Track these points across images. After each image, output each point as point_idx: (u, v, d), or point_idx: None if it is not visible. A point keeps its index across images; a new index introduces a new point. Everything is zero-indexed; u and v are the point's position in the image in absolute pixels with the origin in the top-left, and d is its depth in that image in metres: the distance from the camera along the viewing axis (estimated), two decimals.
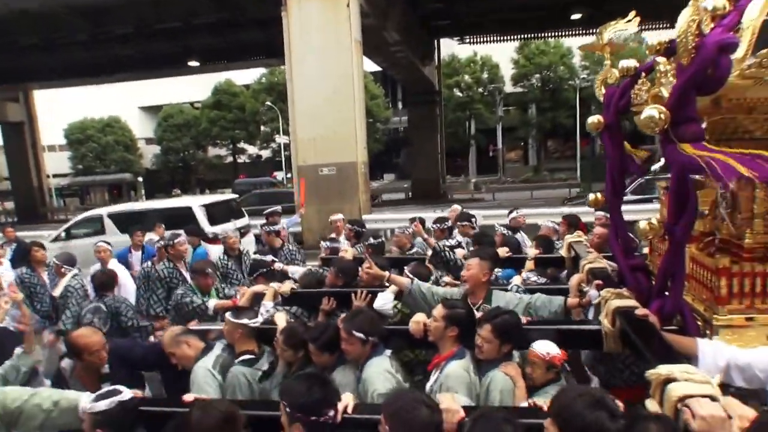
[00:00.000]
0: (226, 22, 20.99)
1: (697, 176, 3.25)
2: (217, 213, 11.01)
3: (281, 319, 3.44)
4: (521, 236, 6.22)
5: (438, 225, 6.11)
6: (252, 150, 44.71)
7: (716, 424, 1.71)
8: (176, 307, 4.61)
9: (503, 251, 4.63)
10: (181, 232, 6.30)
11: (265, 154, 44.32)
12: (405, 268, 4.23)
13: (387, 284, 3.78)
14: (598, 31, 3.49)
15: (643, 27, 4.99)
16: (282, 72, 40.15)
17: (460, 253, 4.67)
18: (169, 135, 43.26)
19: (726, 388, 2.58)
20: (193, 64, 28.24)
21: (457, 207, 8.40)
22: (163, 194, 41.33)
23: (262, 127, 42.27)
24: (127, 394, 2.47)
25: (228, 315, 3.35)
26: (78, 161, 45.20)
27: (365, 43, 14.96)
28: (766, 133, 2.63)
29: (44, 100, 35.99)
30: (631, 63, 3.02)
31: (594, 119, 3.25)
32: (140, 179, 43.91)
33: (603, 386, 3.32)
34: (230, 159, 45.28)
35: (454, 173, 41.75)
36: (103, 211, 12.04)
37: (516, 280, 3.95)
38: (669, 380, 1.97)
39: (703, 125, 2.74)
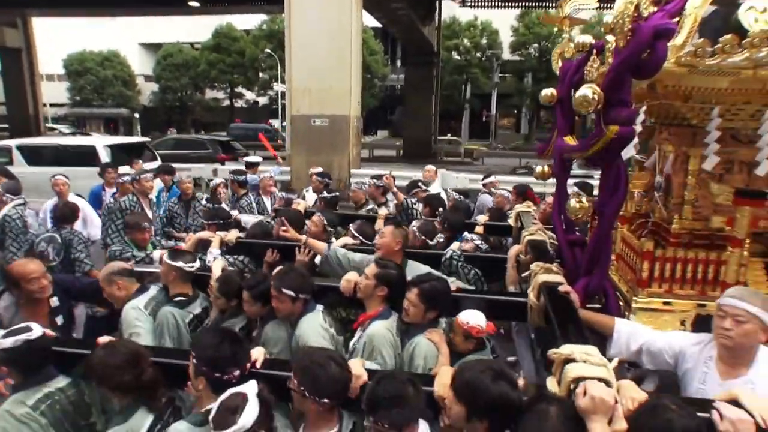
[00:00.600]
0: None
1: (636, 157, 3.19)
2: (124, 154, 10.86)
3: (218, 267, 3.37)
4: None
5: (375, 181, 6.03)
6: (249, 96, 43.76)
7: (601, 406, 1.69)
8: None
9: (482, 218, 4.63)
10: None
11: (262, 100, 43.44)
12: (350, 226, 4.15)
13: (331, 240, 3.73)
14: (558, 3, 3.35)
15: (605, 5, 4.79)
16: (283, 20, 39.02)
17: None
18: (167, 74, 42.08)
19: (625, 369, 2.59)
20: (194, 4, 27.25)
21: (431, 167, 8.29)
22: (158, 132, 40.68)
23: (261, 74, 41.25)
24: (36, 332, 2.38)
25: (165, 256, 3.27)
26: (76, 93, 44.00)
27: None
28: (701, 122, 2.52)
29: (44, 29, 34.77)
30: (587, 39, 2.88)
31: (547, 92, 3.14)
32: (137, 115, 43.20)
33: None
34: (227, 103, 44.31)
35: (445, 134, 41.34)
36: (12, 142, 12.23)
37: (454, 246, 3.89)
38: (569, 360, 1.93)
39: (643, 108, 2.64)
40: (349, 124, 13.79)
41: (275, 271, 3.06)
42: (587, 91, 2.24)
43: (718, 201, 2.59)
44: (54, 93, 40.39)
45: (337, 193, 5.87)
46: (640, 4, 2.17)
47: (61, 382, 2.43)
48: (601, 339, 2.56)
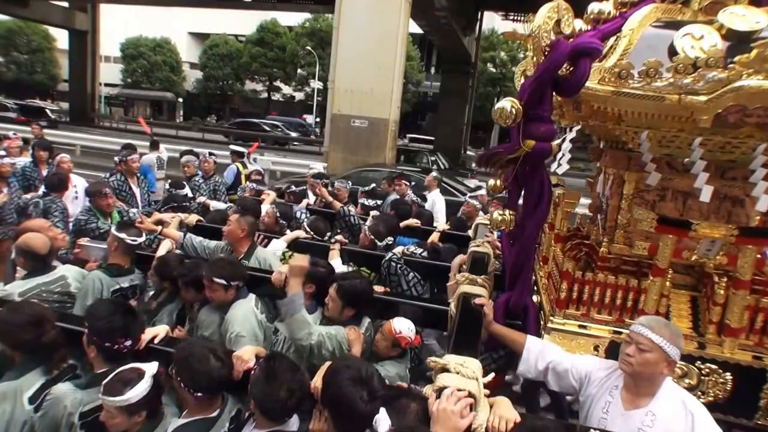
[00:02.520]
0: None
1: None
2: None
3: (164, 248, 3.37)
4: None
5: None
6: (287, 90, 44.11)
7: (444, 417, 1.63)
8: (79, 233, 4.30)
9: (413, 221, 4.54)
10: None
11: (299, 96, 43.78)
12: (304, 221, 4.11)
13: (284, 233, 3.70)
14: (527, 19, 3.24)
15: None
16: (325, 20, 39.25)
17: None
18: (212, 63, 42.81)
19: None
20: None
21: (432, 176, 8.17)
22: (198, 118, 41.52)
23: (299, 70, 41.56)
24: None
25: (113, 228, 3.28)
26: (128, 75, 45.23)
27: (413, 3, 14.38)
28: (636, 146, 2.39)
29: (105, 14, 36.02)
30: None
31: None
32: (180, 100, 44.10)
33: None
34: (265, 95, 44.82)
35: (475, 145, 40.94)
36: None
37: (397, 249, 3.81)
38: (445, 369, 1.86)
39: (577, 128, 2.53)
40: (388, 127, 13.80)
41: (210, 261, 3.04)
42: (506, 104, 2.15)
43: (641, 227, 2.44)
44: (108, 74, 41.60)
45: (305, 188, 5.81)
46: (561, 21, 2.07)
47: None
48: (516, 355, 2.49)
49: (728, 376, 2.33)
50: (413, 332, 2.65)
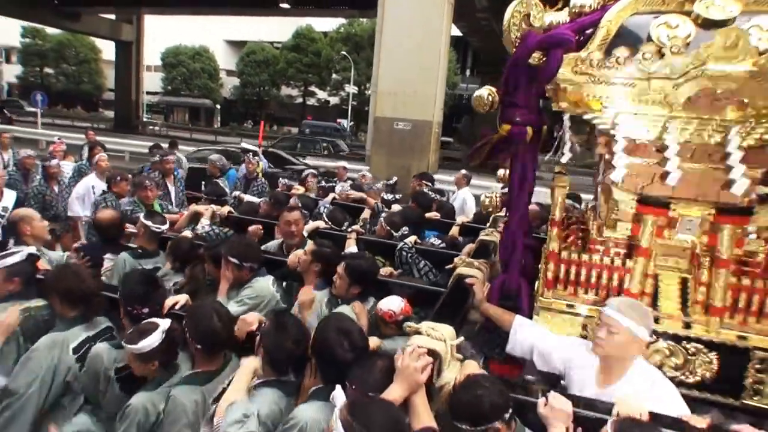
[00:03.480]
0: None
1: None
2: None
3: (186, 234, 3.69)
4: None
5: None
6: (321, 95, 44.94)
7: (405, 371, 1.81)
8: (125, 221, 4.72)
9: (433, 214, 4.72)
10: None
11: (333, 100, 44.50)
12: (322, 204, 4.37)
13: None
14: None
15: None
16: (360, 24, 39.82)
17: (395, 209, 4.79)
18: (249, 70, 44.09)
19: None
20: (284, 5, 28.48)
21: (461, 173, 8.32)
22: (236, 123, 42.75)
23: (334, 75, 42.31)
24: (26, 252, 2.80)
25: (141, 216, 3.62)
26: (168, 83, 47.10)
27: (454, 5, 14.40)
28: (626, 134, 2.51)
29: (148, 24, 37.78)
30: None
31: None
32: (218, 106, 45.54)
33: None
34: (300, 100, 45.78)
35: None
36: None
37: (410, 239, 4.01)
38: (418, 333, 2.05)
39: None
40: (431, 130, 13.90)
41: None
42: (484, 92, 2.35)
43: (623, 208, 2.57)
44: (150, 82, 43.44)
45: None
46: (531, 14, 2.25)
47: (40, 301, 2.77)
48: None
49: (713, 355, 2.42)
50: (396, 305, 2.77)
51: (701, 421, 1.87)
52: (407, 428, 1.57)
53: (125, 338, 2.22)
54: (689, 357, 2.44)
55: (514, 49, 2.25)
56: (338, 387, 1.70)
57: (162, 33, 43.11)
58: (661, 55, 2.23)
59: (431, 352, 1.90)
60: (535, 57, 2.34)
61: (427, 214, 4.90)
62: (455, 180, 8.25)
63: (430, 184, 6.47)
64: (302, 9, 29.64)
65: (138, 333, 2.20)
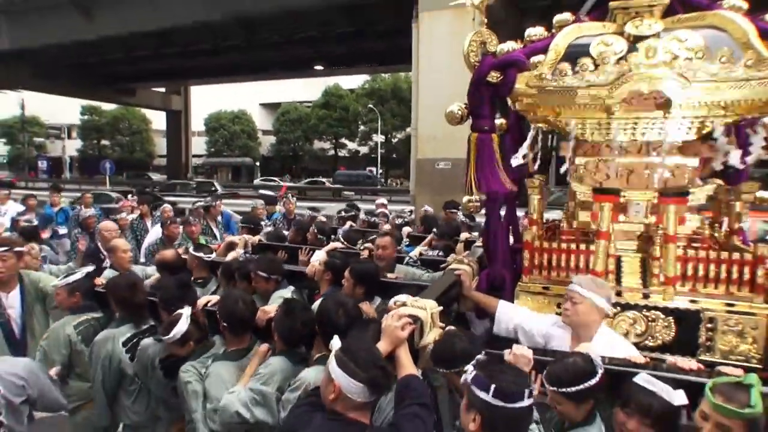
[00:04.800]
0: (353, 33, 21.96)
1: None
2: None
3: (230, 256, 4.17)
4: None
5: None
6: (351, 146, 46.43)
7: (388, 330, 2.12)
8: None
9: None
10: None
11: (363, 150, 45.82)
12: (339, 231, 4.78)
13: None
14: None
15: None
16: (383, 79, 41.42)
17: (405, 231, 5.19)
18: (284, 128, 46.10)
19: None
20: (318, 68, 30.07)
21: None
22: (275, 178, 44.34)
23: (362, 126, 43.79)
24: (86, 270, 3.31)
25: (190, 249, 4.12)
26: (212, 145, 49.55)
27: None
28: (580, 136, 2.85)
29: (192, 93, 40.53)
30: None
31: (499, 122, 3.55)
32: (257, 164, 47.45)
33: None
34: (332, 152, 47.32)
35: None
36: None
37: (414, 252, 4.37)
38: (404, 305, 2.39)
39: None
40: None
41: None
42: (454, 107, 2.77)
43: (580, 198, 2.88)
44: (195, 146, 45.88)
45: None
46: (486, 43, 2.67)
47: (98, 313, 3.27)
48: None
49: (671, 320, 2.67)
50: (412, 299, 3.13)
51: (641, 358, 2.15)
52: (382, 361, 1.88)
53: (161, 332, 2.65)
54: (650, 323, 2.69)
55: (474, 70, 2.66)
56: (336, 337, 2.02)
57: (204, 101, 45.71)
58: (596, 67, 2.61)
59: (412, 317, 2.23)
60: (494, 76, 2.75)
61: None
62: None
63: (455, 210, 6.84)
64: (334, 69, 31.21)
65: (168, 325, 2.63)
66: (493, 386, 1.60)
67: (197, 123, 47.47)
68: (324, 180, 39.38)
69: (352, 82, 43.18)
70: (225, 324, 2.63)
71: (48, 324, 3.50)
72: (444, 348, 2.10)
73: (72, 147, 52.40)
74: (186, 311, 2.67)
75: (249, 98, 49.01)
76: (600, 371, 1.91)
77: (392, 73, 40.06)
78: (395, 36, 20.21)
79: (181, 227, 5.87)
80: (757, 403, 1.61)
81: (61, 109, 48.61)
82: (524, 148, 3.11)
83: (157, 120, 49.00)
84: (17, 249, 3.57)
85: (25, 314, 3.57)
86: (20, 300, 3.55)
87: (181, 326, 2.59)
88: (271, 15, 20.57)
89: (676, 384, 1.86)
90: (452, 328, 2.35)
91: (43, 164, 46.79)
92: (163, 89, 38.29)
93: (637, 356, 2.24)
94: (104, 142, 52.14)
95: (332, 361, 1.82)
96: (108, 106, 49.11)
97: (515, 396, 1.59)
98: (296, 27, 21.96)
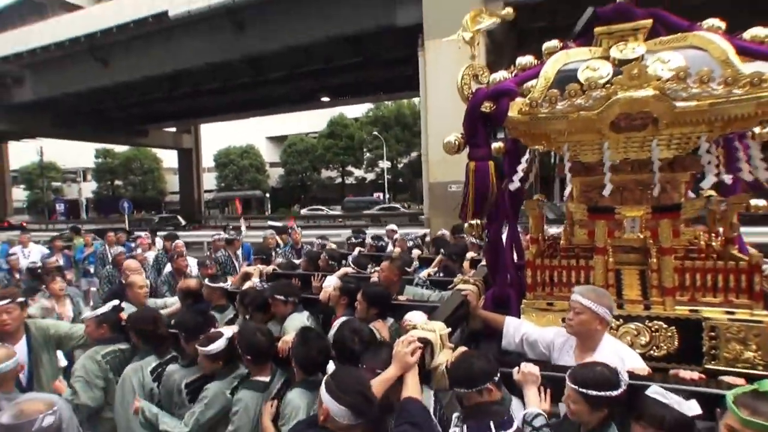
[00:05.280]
0: (357, 63, 22.42)
1: None
2: None
3: (246, 285, 4.31)
4: None
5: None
6: (358, 173, 46.90)
7: (398, 356, 2.20)
8: None
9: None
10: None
11: (369, 176, 46.25)
12: (349, 257, 4.89)
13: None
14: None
15: None
16: (387, 107, 42.05)
17: (415, 253, 5.28)
18: (291, 159, 46.74)
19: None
20: (324, 99, 30.62)
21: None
22: (284, 209, 44.80)
23: (367, 154, 44.28)
24: (112, 304, 3.48)
25: (206, 281, 4.25)
26: (221, 180, 50.29)
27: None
28: (572, 158, 2.97)
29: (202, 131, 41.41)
30: None
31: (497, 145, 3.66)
32: (267, 195, 47.95)
33: None
34: (339, 180, 47.77)
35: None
36: None
37: (424, 273, 4.46)
38: (415, 327, 2.49)
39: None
40: None
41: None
42: (452, 138, 2.89)
43: (577, 217, 2.98)
44: (206, 181, 46.57)
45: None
46: (479, 75, 2.81)
47: (124, 344, 3.38)
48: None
49: (673, 329, 2.73)
50: (419, 318, 3.18)
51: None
52: (365, 388, 1.94)
53: (199, 342, 2.78)
54: (653, 334, 2.75)
55: (468, 102, 2.80)
56: (330, 362, 2.12)
57: (212, 138, 46.54)
58: (585, 92, 2.73)
59: (422, 340, 2.31)
60: (487, 106, 2.88)
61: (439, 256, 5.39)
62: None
63: (463, 236, 6.95)
64: (340, 99, 31.76)
65: (207, 339, 2.79)
66: None
67: (207, 159, 48.25)
68: (323, 208, 39.80)
69: (356, 110, 43.84)
70: (248, 357, 2.73)
71: (55, 373, 3.57)
72: (463, 368, 2.15)
73: (87, 189, 53.44)
74: (227, 332, 2.84)
75: (255, 132, 49.92)
76: (623, 386, 1.96)
77: (395, 100, 40.70)
78: (399, 64, 20.77)
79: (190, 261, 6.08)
80: None
81: (76, 154, 49.87)
82: (520, 172, 3.23)
83: (168, 158, 49.92)
84: (20, 300, 3.57)
85: (32, 363, 3.55)
86: (27, 349, 3.55)
87: (219, 344, 2.76)
88: (277, 52, 21.13)
89: (680, 395, 1.91)
90: (464, 348, 2.43)
91: (60, 207, 47.69)
92: (174, 129, 39.18)
93: (642, 367, 2.29)
94: (118, 182, 53.16)
95: (322, 386, 1.93)
96: (120, 148, 50.22)
97: None
98: (302, 61, 22.42)
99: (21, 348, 3.46)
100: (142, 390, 2.97)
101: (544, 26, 16.59)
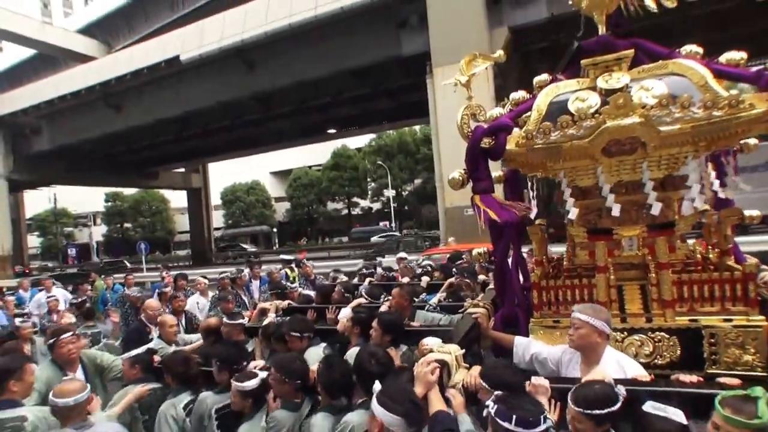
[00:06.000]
0: (364, 95, 22.97)
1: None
2: None
3: (267, 320, 4.46)
4: None
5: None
6: (364, 203, 47.25)
7: (419, 375, 2.35)
8: None
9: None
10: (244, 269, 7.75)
11: (375, 206, 46.57)
12: (360, 288, 5.04)
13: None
14: None
15: None
16: (389, 136, 42.67)
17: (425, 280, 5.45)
18: (297, 193, 47.30)
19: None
20: (331, 131, 31.14)
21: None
22: (292, 242, 45.03)
23: (372, 183, 44.71)
24: (145, 347, 3.68)
25: (225, 319, 4.40)
26: (229, 217, 50.82)
27: (495, 98, 15.66)
28: (569, 183, 3.15)
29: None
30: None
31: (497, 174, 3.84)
32: (274, 230, 48.33)
33: None
34: (345, 211, 48.12)
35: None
36: None
37: (434, 300, 4.61)
38: (431, 351, 2.63)
39: None
40: None
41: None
42: (456, 174, 3.09)
43: (578, 239, 3.14)
44: (213, 219, 47.04)
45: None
46: (476, 114, 3.02)
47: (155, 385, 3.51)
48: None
49: (675, 339, 2.85)
50: (435, 343, 3.32)
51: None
52: (415, 398, 2.11)
53: (235, 378, 2.93)
54: (656, 344, 2.88)
55: (468, 140, 3.00)
56: (377, 381, 2.26)
57: (218, 176, 47.22)
58: (575, 122, 2.92)
59: (440, 361, 2.46)
60: (486, 141, 3.08)
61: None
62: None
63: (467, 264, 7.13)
64: (346, 130, 32.26)
65: (244, 376, 2.95)
66: (514, 416, 1.82)
67: (214, 197, 48.87)
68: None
69: (358, 141, 44.48)
70: (286, 378, 2.88)
71: (106, 396, 3.75)
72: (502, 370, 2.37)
73: (98, 233, 54.12)
74: (261, 374, 2.98)
75: (259, 168, 50.64)
76: (621, 399, 2.08)
77: (399, 129, 41.37)
78: (404, 93, 21.23)
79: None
80: (764, 414, 1.76)
81: (86, 199, 50.74)
82: (534, 203, 3.42)
83: (175, 199, 50.61)
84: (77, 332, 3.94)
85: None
86: (84, 376, 3.82)
87: (254, 382, 2.91)
88: (286, 88, 21.69)
89: (681, 397, 2.04)
90: (478, 368, 2.57)
91: (72, 251, 48.37)
92: (182, 169, 39.89)
93: (644, 375, 2.42)
94: (127, 225, 53.82)
95: (374, 401, 2.07)
96: (129, 191, 51.11)
97: (534, 423, 1.81)
98: (310, 96, 22.93)
99: (79, 376, 3.76)
100: (176, 423, 3.11)
101: (546, 47, 17.15)
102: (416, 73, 17.30)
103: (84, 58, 33.46)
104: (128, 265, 32.72)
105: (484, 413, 1.99)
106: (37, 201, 44.38)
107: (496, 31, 16.16)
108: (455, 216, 14.39)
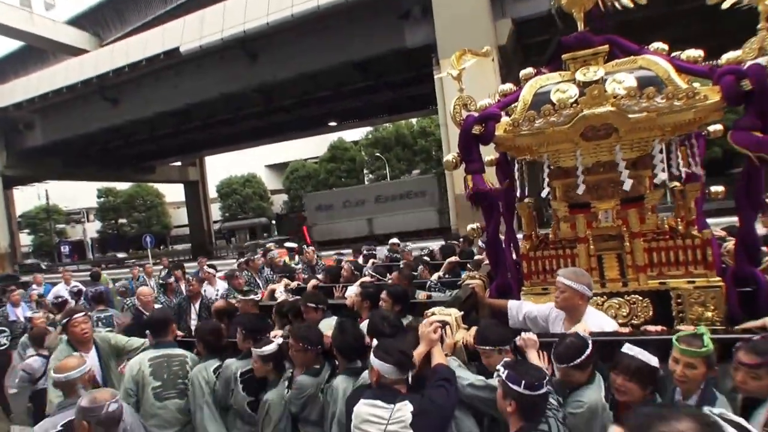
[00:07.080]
0: (365, 87, 23.28)
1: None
2: None
3: (279, 298, 4.93)
4: None
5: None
6: None
7: (423, 334, 2.80)
8: None
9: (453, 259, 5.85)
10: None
11: None
12: (367, 267, 5.53)
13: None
14: None
15: None
16: (385, 128, 43.06)
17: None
18: (295, 185, 47.66)
19: None
20: (332, 123, 31.39)
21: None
22: (291, 235, 45.50)
23: (370, 175, 45.11)
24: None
25: (238, 296, 4.89)
26: (226, 210, 51.23)
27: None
28: (552, 164, 3.62)
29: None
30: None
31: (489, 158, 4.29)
32: (273, 222, 48.72)
33: None
34: None
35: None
36: None
37: (434, 276, 5.11)
38: (434, 314, 3.10)
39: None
40: None
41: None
42: (449, 156, 3.55)
43: (560, 213, 3.62)
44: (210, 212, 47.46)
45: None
46: (467, 104, 3.49)
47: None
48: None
49: (648, 301, 3.34)
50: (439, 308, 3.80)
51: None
52: (404, 348, 2.54)
53: (254, 346, 3.34)
54: (632, 306, 3.36)
55: (460, 127, 3.47)
56: (374, 339, 2.72)
57: (213, 169, 47.52)
58: (557, 111, 3.38)
59: (441, 322, 2.92)
60: (477, 129, 3.54)
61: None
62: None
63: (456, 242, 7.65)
64: (346, 123, 32.72)
65: (263, 343, 3.35)
66: (523, 381, 2.24)
67: (210, 190, 49.20)
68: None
69: (355, 134, 44.87)
70: (307, 345, 3.26)
71: (118, 377, 4.11)
72: (491, 329, 2.80)
73: (91, 229, 54.37)
74: (278, 340, 3.40)
75: (254, 161, 51.03)
76: (590, 344, 2.53)
77: (394, 122, 41.74)
78: (406, 86, 21.53)
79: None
80: (709, 344, 2.28)
81: (78, 195, 50.97)
82: (524, 182, 3.89)
83: (171, 193, 50.99)
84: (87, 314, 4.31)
85: (103, 370, 4.19)
86: (98, 357, 4.17)
87: (272, 347, 3.32)
88: (288, 80, 21.96)
89: (651, 343, 2.50)
90: (475, 329, 3.04)
91: (65, 249, 48.70)
92: (179, 163, 40.23)
93: (621, 329, 2.91)
94: (122, 220, 54.12)
95: (371, 355, 2.53)
96: (122, 186, 51.34)
97: (538, 386, 2.23)
98: (312, 88, 23.23)
99: (93, 356, 4.13)
100: (207, 385, 3.54)
101: (546, 39, 17.50)
102: (418, 65, 17.61)
103: (74, 51, 33.59)
104: (44, 266, 33.02)
105: (494, 377, 2.38)
106: (26, 198, 44.67)
107: (500, 22, 16.58)
108: (465, 202, 14.83)
